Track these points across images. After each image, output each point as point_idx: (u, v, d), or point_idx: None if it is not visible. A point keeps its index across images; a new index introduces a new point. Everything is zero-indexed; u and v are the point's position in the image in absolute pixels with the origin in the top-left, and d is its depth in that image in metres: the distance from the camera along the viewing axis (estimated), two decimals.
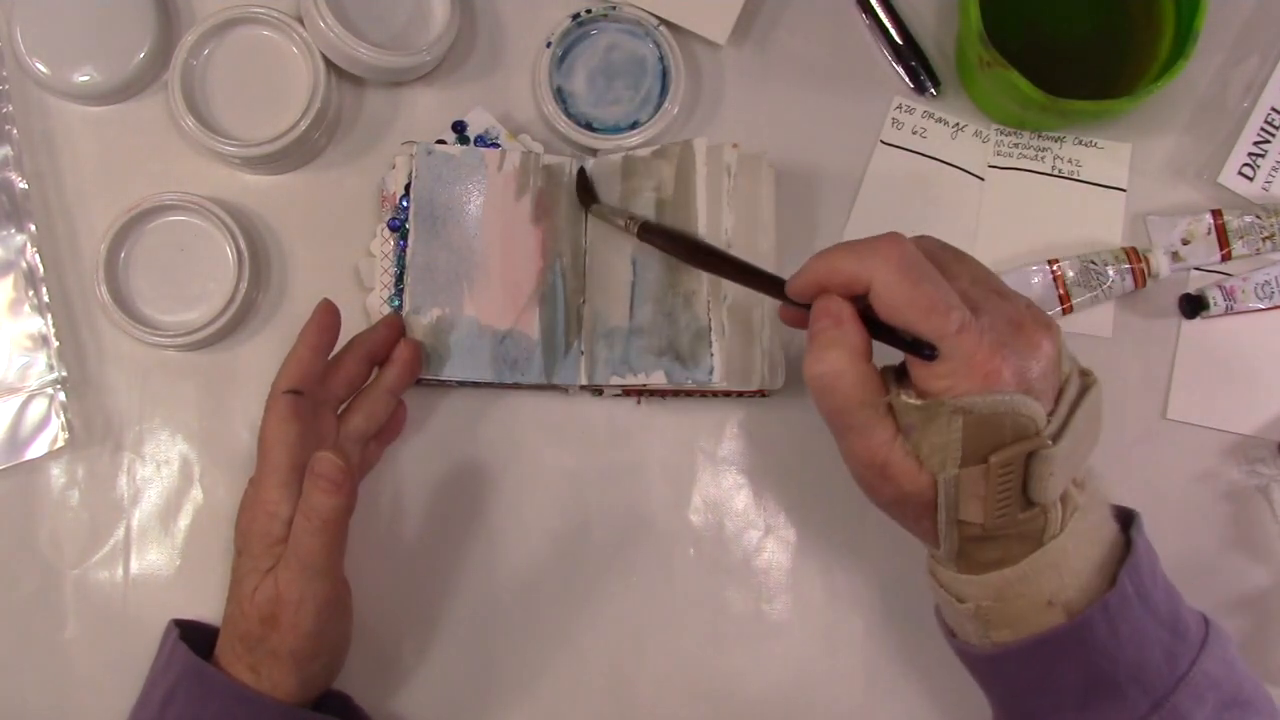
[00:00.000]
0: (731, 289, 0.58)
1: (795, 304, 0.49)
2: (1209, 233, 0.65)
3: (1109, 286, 0.63)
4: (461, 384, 0.62)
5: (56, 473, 0.61)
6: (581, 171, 0.62)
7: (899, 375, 0.47)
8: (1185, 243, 0.65)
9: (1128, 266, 0.63)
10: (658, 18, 0.64)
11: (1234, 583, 0.63)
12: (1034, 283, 0.63)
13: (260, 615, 0.51)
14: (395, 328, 0.59)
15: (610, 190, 0.61)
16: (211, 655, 0.53)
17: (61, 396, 0.60)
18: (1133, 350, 0.65)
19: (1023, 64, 0.58)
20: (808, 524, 0.63)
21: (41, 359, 0.60)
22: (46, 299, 0.61)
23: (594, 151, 0.63)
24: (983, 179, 0.66)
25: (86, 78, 0.61)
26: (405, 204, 0.61)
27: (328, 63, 0.61)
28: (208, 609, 0.59)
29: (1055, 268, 0.63)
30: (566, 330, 0.61)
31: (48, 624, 0.60)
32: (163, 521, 0.61)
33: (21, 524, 0.60)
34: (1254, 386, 0.65)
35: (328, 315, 0.56)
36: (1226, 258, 0.65)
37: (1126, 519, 0.49)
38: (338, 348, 0.57)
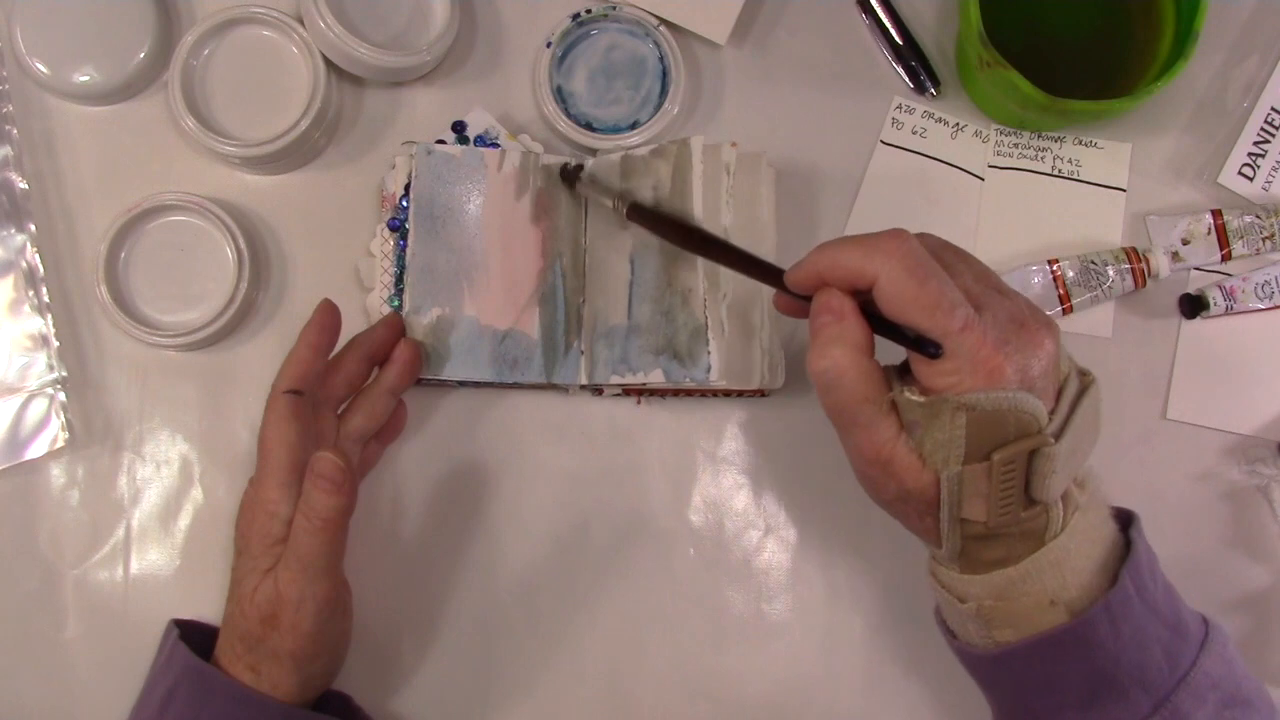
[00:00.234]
0: (731, 288, 0.58)
1: (793, 294, 0.48)
2: (1209, 233, 0.65)
3: (1109, 286, 0.63)
4: (461, 384, 0.62)
5: (56, 473, 0.61)
6: (564, 165, 0.62)
7: (901, 372, 0.47)
8: (1185, 243, 0.65)
9: (1128, 266, 0.63)
10: (658, 18, 0.64)
11: (1234, 583, 0.63)
12: (1034, 283, 0.63)
13: (260, 615, 0.51)
14: (395, 328, 0.59)
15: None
16: (211, 655, 0.53)
17: (61, 396, 0.60)
18: (1133, 350, 0.65)
19: (1023, 64, 0.58)
20: (808, 524, 0.63)
21: (41, 359, 0.60)
22: (46, 299, 0.61)
23: (594, 151, 0.63)
24: (983, 179, 0.66)
25: (86, 78, 0.61)
26: (405, 204, 0.61)
27: (328, 63, 0.61)
28: (208, 609, 0.59)
29: (1055, 268, 0.63)
30: (566, 330, 0.61)
31: (48, 624, 0.60)
32: (163, 521, 0.61)
33: (21, 524, 0.60)
34: (1254, 386, 0.65)
35: (328, 315, 0.56)
36: (1226, 258, 0.65)
37: (1125, 520, 0.49)
38: (338, 348, 0.57)
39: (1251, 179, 0.66)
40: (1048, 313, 0.63)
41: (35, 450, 0.60)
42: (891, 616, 0.62)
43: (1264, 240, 0.65)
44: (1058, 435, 0.44)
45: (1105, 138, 0.66)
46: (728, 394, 0.62)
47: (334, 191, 0.64)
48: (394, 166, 0.62)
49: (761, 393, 0.62)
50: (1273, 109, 0.66)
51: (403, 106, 0.64)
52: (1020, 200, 0.66)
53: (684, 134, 0.64)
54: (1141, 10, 0.64)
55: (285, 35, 0.61)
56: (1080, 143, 0.66)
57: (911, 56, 0.66)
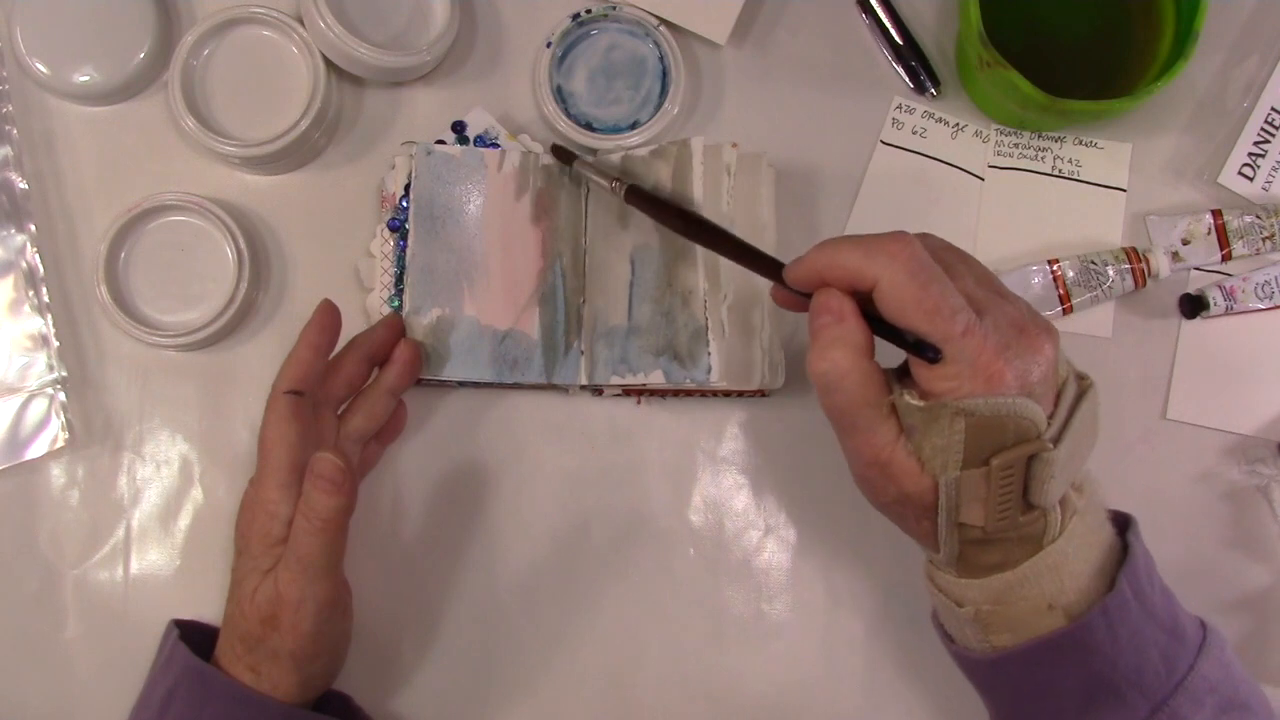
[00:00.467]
0: (732, 289, 0.58)
1: (792, 290, 0.48)
2: (1209, 233, 0.65)
3: (1109, 286, 0.63)
4: (461, 384, 0.62)
5: (56, 473, 0.61)
6: (554, 144, 0.62)
7: (901, 374, 0.47)
8: (1185, 243, 0.65)
9: (1128, 266, 0.63)
10: (658, 18, 0.64)
11: (1234, 583, 0.63)
12: (1034, 283, 0.63)
13: (260, 616, 0.51)
14: (395, 328, 0.59)
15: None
16: (212, 656, 0.53)
17: (61, 396, 0.60)
18: (1133, 350, 0.65)
19: (1023, 64, 0.58)
20: (808, 524, 0.63)
21: (41, 359, 0.60)
22: (46, 299, 0.61)
23: (594, 151, 0.63)
24: (983, 179, 0.66)
25: (86, 78, 0.61)
26: (405, 204, 0.61)
27: (328, 63, 0.61)
28: (208, 609, 0.59)
29: (1055, 268, 0.63)
30: (566, 330, 0.61)
31: (48, 624, 0.60)
32: (163, 521, 0.61)
33: (21, 524, 0.61)
34: (1254, 386, 0.65)
35: (328, 315, 0.56)
36: (1226, 258, 0.65)
37: (1122, 523, 0.49)
38: (338, 348, 0.57)
39: (1251, 179, 0.66)
40: (1048, 313, 0.63)
41: (35, 450, 0.60)
42: (892, 617, 0.62)
43: (1264, 240, 0.65)
44: (1056, 440, 0.44)
45: (1105, 138, 0.66)
46: (728, 394, 0.62)
47: (334, 191, 0.64)
48: (394, 166, 0.62)
49: (762, 393, 0.62)
50: (1273, 109, 0.66)
51: (403, 106, 0.64)
52: (1020, 200, 0.66)
53: (684, 134, 0.64)
54: (1141, 10, 0.64)
55: (285, 35, 0.61)
56: (1080, 143, 0.66)
57: (911, 56, 0.66)
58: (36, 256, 0.61)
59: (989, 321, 0.43)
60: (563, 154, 0.61)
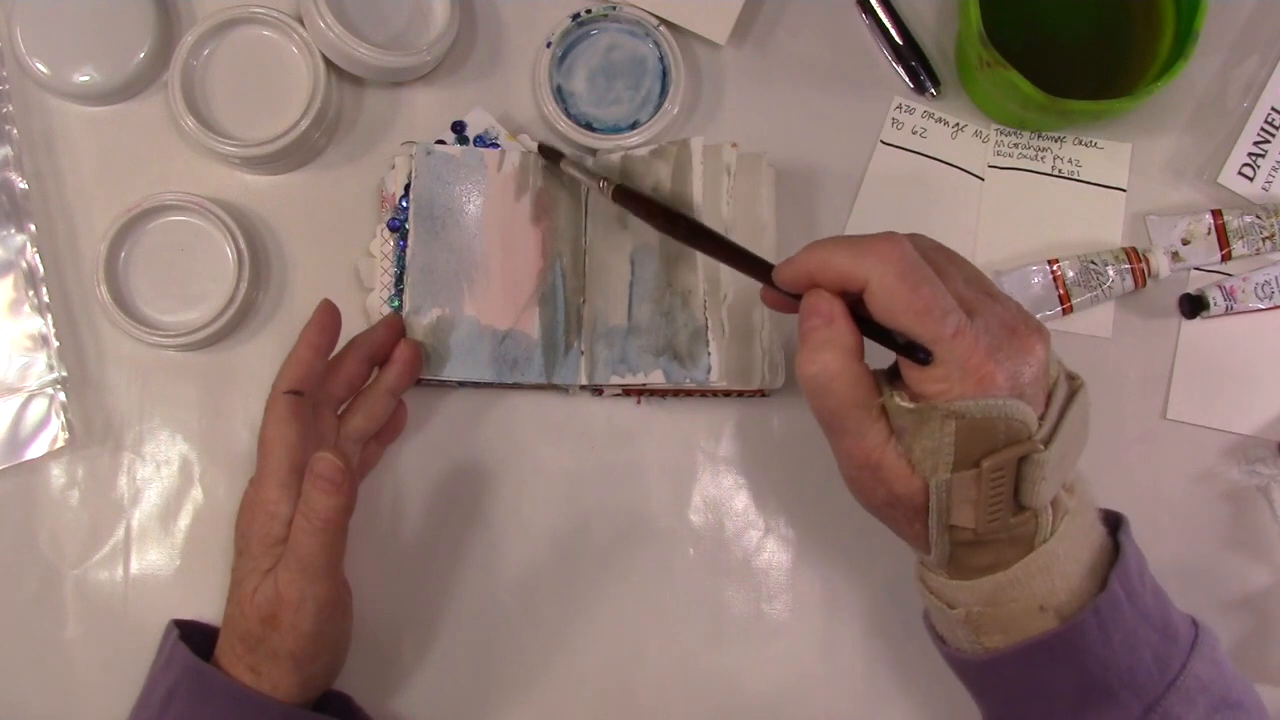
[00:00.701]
0: (731, 289, 0.58)
1: (782, 291, 0.47)
2: (1209, 233, 0.65)
3: (1109, 286, 0.63)
4: (461, 384, 0.62)
5: (56, 473, 0.61)
6: (541, 143, 0.62)
7: (891, 375, 0.46)
8: (1185, 243, 0.65)
9: (1128, 266, 0.63)
10: (658, 18, 0.64)
11: (1234, 583, 0.63)
12: (1034, 283, 0.63)
13: (260, 616, 0.51)
14: (395, 328, 0.59)
15: None
16: (212, 656, 0.53)
17: (61, 396, 0.60)
18: (1132, 350, 0.65)
19: (1023, 64, 0.58)
20: (808, 524, 0.63)
21: (41, 359, 0.60)
22: (46, 299, 0.61)
23: (594, 151, 0.63)
24: (983, 179, 0.66)
25: (86, 78, 0.61)
26: (405, 204, 0.61)
27: (328, 63, 0.61)
28: (208, 609, 0.59)
29: (1055, 268, 0.63)
30: (566, 330, 0.61)
31: (48, 624, 0.60)
32: (163, 521, 0.61)
33: (21, 524, 0.61)
34: (1254, 386, 0.65)
35: (328, 315, 0.56)
36: (1226, 258, 0.65)
37: (1114, 523, 0.49)
38: (338, 348, 0.57)
39: (1251, 179, 0.66)
40: (1048, 313, 0.63)
41: (35, 450, 0.60)
42: (892, 617, 0.62)
43: (1264, 240, 0.65)
44: (1047, 441, 0.43)
45: (1105, 138, 0.66)
46: (728, 394, 0.62)
47: (334, 191, 0.64)
48: (394, 166, 0.62)
49: (761, 393, 0.62)
50: (1273, 109, 0.66)
51: (403, 106, 0.64)
52: (1020, 200, 0.66)
53: (684, 134, 0.64)
54: (1141, 10, 0.64)
55: (285, 35, 0.61)
56: (1080, 143, 0.66)
57: (911, 56, 0.66)
58: (36, 256, 0.61)
59: (980, 323, 0.43)
60: (550, 153, 0.61)
